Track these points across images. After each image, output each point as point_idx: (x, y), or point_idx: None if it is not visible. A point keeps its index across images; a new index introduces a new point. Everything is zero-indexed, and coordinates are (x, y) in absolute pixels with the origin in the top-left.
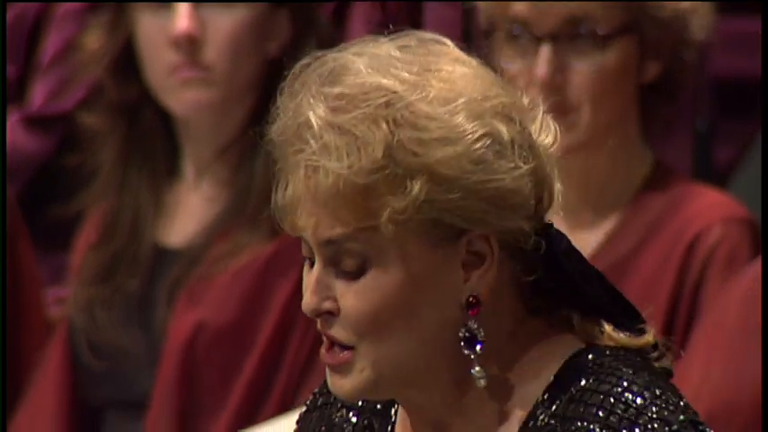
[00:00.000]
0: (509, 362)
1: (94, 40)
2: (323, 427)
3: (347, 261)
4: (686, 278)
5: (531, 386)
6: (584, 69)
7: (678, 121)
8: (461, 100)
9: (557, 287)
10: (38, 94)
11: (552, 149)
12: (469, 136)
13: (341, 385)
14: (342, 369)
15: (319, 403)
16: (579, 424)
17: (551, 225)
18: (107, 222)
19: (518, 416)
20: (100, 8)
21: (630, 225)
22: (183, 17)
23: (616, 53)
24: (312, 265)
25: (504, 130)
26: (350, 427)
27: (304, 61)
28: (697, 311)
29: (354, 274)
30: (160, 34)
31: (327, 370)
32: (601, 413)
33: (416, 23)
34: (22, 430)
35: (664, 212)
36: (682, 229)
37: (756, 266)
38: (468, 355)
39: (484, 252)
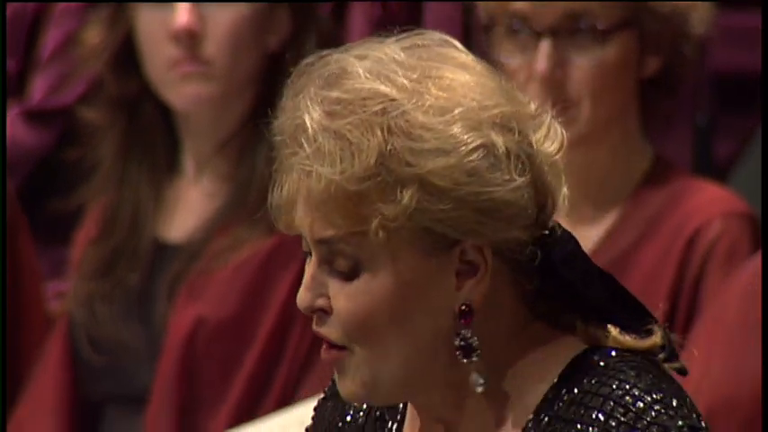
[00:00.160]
0: (512, 364)
1: (94, 34)
2: (337, 416)
3: (340, 261)
4: (686, 273)
5: (535, 387)
6: (584, 64)
7: (678, 115)
8: (458, 110)
9: (559, 292)
10: (38, 89)
11: (557, 156)
12: (463, 147)
13: (342, 387)
14: (340, 369)
15: (336, 391)
16: (579, 427)
17: (554, 232)
18: (107, 217)
19: (521, 417)
20: (100, 3)
21: (630, 220)
22: (182, 12)
23: (616, 48)
24: None
25: (500, 141)
26: (363, 418)
27: (309, 60)
28: (697, 306)
29: (347, 275)
30: (160, 29)
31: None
32: (600, 416)
33: (416, 20)
34: (23, 425)
35: (664, 207)
36: (682, 223)
37: (756, 261)
38: (467, 363)
39: (477, 262)
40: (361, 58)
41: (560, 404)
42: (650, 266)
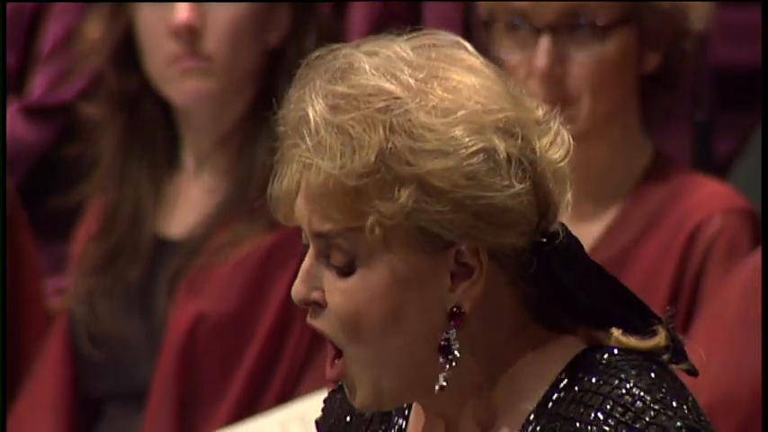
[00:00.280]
0: (512, 363)
1: (94, 29)
2: (346, 410)
3: (336, 256)
4: (686, 269)
5: (535, 386)
6: (583, 60)
7: (678, 111)
8: (461, 112)
9: (559, 295)
10: (38, 84)
11: (563, 164)
12: (464, 150)
13: (354, 402)
14: (347, 384)
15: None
16: (578, 425)
17: (554, 238)
18: (107, 213)
19: (521, 415)
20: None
21: (631, 216)
22: (183, 7)
23: (616, 44)
24: None
25: (501, 146)
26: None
27: (318, 52)
28: (697, 302)
29: (343, 270)
30: (160, 24)
31: None
32: (600, 415)
33: (416, 19)
34: (23, 421)
35: (664, 203)
36: (682, 219)
37: (756, 257)
38: (443, 363)
39: (472, 264)
40: (370, 54)
41: (561, 402)
42: (650, 262)
